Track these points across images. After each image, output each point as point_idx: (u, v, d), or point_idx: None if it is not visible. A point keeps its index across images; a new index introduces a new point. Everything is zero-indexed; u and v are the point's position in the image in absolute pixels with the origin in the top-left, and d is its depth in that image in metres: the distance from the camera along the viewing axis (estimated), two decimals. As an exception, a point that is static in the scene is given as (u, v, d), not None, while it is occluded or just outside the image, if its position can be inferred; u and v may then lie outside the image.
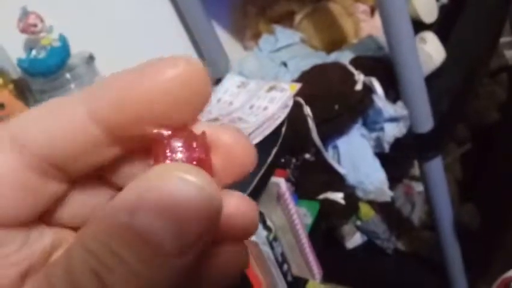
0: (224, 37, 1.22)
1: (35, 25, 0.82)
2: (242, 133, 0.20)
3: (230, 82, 0.88)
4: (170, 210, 0.17)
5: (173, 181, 0.17)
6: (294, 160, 0.96)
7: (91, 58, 0.89)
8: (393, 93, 0.96)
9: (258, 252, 0.79)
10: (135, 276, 0.16)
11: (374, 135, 0.98)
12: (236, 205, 0.20)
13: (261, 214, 0.78)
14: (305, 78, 0.96)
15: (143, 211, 0.17)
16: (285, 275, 0.83)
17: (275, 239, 0.79)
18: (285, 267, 0.83)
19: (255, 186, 0.67)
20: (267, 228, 0.78)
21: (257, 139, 0.73)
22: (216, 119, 0.79)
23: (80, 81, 0.87)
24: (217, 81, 0.91)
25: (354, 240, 1.45)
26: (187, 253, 0.17)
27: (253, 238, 0.78)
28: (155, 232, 0.16)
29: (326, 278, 0.90)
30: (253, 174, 0.68)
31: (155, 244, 0.16)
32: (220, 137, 0.20)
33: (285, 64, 1.08)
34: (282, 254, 0.82)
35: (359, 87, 0.92)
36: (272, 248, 0.79)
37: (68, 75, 0.86)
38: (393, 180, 1.02)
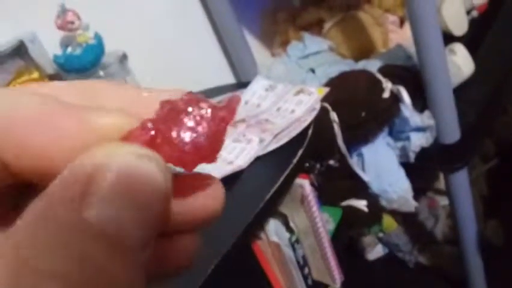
0: (253, 43, 1.24)
1: (72, 22, 0.84)
2: None
3: (258, 85, 0.89)
4: (129, 193, 0.13)
5: (129, 158, 0.14)
6: (318, 166, 0.96)
7: (124, 57, 0.92)
8: (421, 102, 0.95)
9: (279, 254, 0.79)
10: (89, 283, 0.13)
11: (399, 144, 0.98)
12: (203, 203, 0.18)
13: (284, 216, 0.79)
14: (333, 84, 0.96)
15: (96, 198, 0.13)
16: (305, 278, 0.83)
17: (297, 241, 0.79)
18: (306, 270, 0.83)
19: (279, 186, 0.67)
20: (289, 230, 0.78)
21: (283, 140, 0.74)
22: (243, 120, 0.80)
23: (112, 79, 0.90)
24: (245, 84, 0.92)
25: (376, 252, 1.43)
26: (150, 244, 0.14)
27: (275, 239, 0.78)
28: (115, 224, 0.13)
29: (345, 288, 0.89)
30: (278, 174, 0.68)
31: (116, 238, 0.13)
32: None
33: (312, 70, 1.08)
34: (304, 257, 0.82)
35: (386, 95, 0.92)
36: (294, 250, 0.79)
37: (101, 73, 0.88)
38: (418, 192, 1.01)
